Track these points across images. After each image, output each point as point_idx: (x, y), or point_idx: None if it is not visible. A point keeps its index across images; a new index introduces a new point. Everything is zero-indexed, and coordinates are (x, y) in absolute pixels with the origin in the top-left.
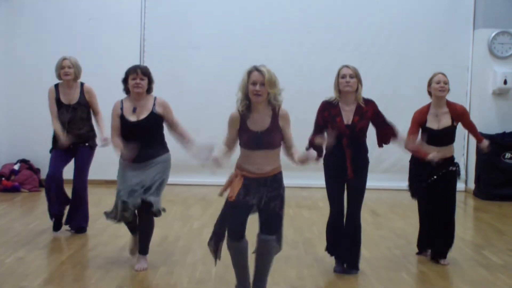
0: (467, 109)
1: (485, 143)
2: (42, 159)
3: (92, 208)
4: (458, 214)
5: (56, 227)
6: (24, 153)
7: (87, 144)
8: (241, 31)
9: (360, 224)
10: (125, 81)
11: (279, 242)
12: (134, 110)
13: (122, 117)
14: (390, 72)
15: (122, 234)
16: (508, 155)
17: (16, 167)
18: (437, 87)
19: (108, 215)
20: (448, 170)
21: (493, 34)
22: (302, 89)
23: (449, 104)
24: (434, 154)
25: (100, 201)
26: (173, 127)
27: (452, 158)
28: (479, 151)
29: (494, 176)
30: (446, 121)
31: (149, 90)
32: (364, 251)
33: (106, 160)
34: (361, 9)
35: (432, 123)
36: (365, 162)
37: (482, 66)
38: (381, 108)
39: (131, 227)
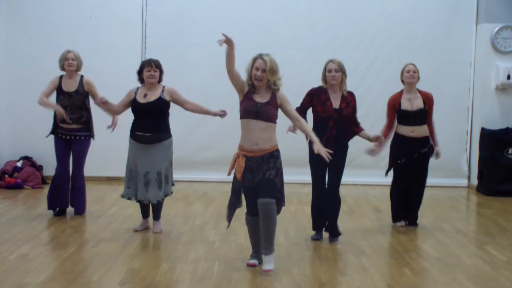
0: (470, 104)
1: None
2: (44, 156)
3: (94, 205)
4: (461, 210)
5: (58, 213)
6: (27, 150)
7: (83, 137)
8: (242, 28)
9: (340, 199)
10: (140, 72)
11: (280, 203)
12: (145, 96)
13: (134, 100)
14: (393, 67)
15: (124, 231)
16: (511, 150)
17: (18, 164)
18: (407, 75)
19: (123, 195)
20: (422, 151)
21: (496, 29)
22: (303, 87)
23: (420, 91)
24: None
25: (102, 198)
26: (184, 105)
27: (426, 138)
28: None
29: (497, 172)
30: (418, 104)
31: (160, 80)
32: (366, 247)
33: (107, 158)
34: (364, 4)
35: (406, 106)
36: (345, 146)
37: (485, 61)
38: (383, 102)
39: (142, 210)
